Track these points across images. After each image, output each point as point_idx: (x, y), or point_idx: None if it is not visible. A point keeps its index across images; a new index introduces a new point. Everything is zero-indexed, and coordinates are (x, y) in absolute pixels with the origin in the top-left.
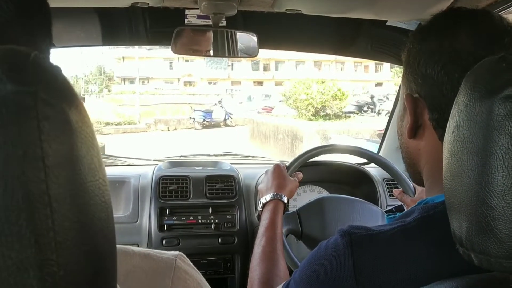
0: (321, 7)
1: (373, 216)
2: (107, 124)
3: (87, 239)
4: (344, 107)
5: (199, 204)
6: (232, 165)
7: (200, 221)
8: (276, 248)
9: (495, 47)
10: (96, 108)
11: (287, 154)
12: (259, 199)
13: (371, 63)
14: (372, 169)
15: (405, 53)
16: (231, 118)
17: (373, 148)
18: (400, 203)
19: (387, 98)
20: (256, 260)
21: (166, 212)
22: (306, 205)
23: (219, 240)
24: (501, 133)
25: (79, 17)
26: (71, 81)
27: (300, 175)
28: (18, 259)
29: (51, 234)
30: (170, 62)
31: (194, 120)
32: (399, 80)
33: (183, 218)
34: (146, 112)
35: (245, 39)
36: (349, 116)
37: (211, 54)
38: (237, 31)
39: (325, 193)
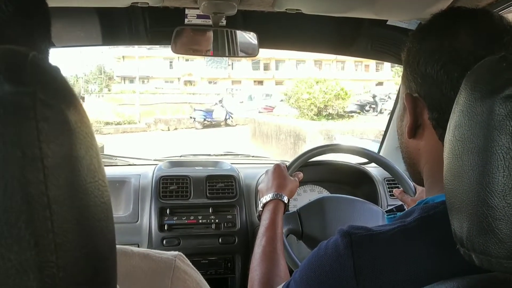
0: (321, 7)
1: (373, 216)
2: (107, 123)
3: (86, 241)
4: (346, 106)
5: (200, 204)
6: (233, 165)
7: (200, 221)
8: (276, 248)
9: (495, 46)
10: (96, 108)
11: (289, 154)
12: (259, 199)
13: (372, 63)
14: (373, 169)
15: (405, 53)
16: (232, 118)
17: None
18: (400, 202)
19: (389, 97)
20: (257, 260)
21: (166, 212)
22: (306, 205)
23: (220, 240)
24: (501, 133)
25: (79, 17)
26: (71, 80)
27: (301, 175)
28: (18, 261)
29: (50, 236)
30: (170, 62)
31: (194, 120)
32: (399, 80)
33: (183, 218)
34: (146, 111)
35: (245, 38)
36: (352, 116)
37: (211, 54)
38: (237, 31)
39: (325, 193)
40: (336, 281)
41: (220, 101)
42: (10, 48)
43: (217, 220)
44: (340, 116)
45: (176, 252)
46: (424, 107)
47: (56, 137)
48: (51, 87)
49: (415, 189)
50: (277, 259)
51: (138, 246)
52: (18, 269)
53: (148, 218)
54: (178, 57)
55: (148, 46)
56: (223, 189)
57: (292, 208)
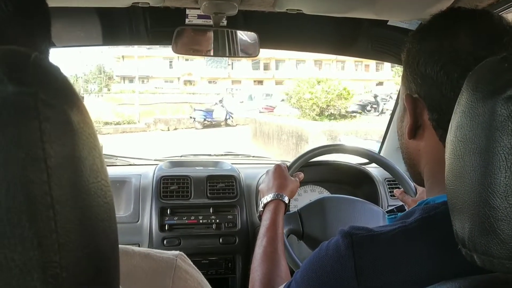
0: (322, 7)
1: (374, 216)
2: (106, 123)
3: (89, 241)
4: (349, 106)
5: (200, 204)
6: (233, 165)
7: (201, 221)
8: (277, 249)
9: (495, 46)
10: (95, 108)
11: (291, 155)
12: (260, 199)
13: (372, 62)
14: (373, 169)
15: (405, 53)
16: (232, 118)
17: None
18: (401, 203)
19: (390, 97)
20: (258, 261)
21: (167, 212)
22: (307, 205)
23: (220, 240)
24: (503, 133)
25: (79, 17)
26: (71, 80)
27: (301, 175)
28: (21, 261)
29: (54, 236)
30: (170, 61)
31: (194, 120)
32: (400, 80)
33: (184, 218)
34: (145, 111)
35: (246, 38)
36: (355, 116)
37: (212, 54)
38: (237, 31)
39: (326, 193)
40: (337, 281)
41: (220, 101)
42: (12, 49)
43: (217, 220)
44: (342, 116)
45: (177, 252)
46: (424, 108)
47: (58, 137)
48: (54, 88)
49: (416, 190)
50: (278, 260)
51: (139, 246)
52: (22, 269)
53: (149, 218)
54: (178, 57)
55: (147, 46)
56: (224, 189)
57: (293, 208)
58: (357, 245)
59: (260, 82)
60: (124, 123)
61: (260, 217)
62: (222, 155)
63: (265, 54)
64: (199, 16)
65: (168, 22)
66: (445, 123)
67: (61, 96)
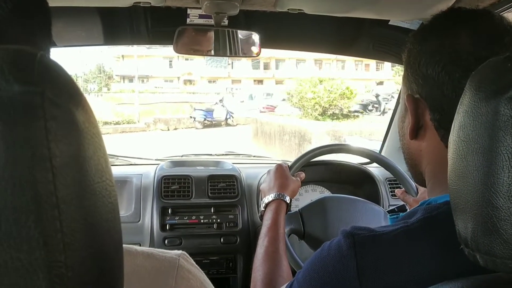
0: (323, 7)
1: (375, 216)
2: (106, 123)
3: (94, 240)
4: (352, 106)
5: (201, 203)
6: (234, 165)
7: (202, 220)
8: (279, 248)
9: (496, 47)
10: (95, 107)
11: (293, 156)
12: (261, 199)
13: (372, 62)
14: (374, 169)
15: (406, 54)
16: (233, 118)
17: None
18: (402, 203)
19: (392, 96)
20: (259, 261)
21: (168, 212)
22: (308, 205)
23: (221, 240)
24: (507, 133)
25: (80, 17)
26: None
27: (302, 174)
28: (27, 261)
29: (59, 236)
30: (170, 61)
31: (194, 120)
32: (400, 79)
33: (185, 218)
34: (145, 111)
35: (247, 38)
36: (357, 116)
37: (213, 54)
38: (239, 30)
39: (327, 193)
40: (339, 281)
41: (221, 101)
42: (17, 48)
43: (218, 220)
44: (345, 116)
45: (180, 251)
46: (425, 108)
47: (64, 137)
48: (59, 87)
49: (417, 189)
50: (280, 259)
51: (140, 246)
52: (28, 269)
53: (150, 218)
54: (178, 56)
55: (147, 45)
56: (225, 189)
57: (294, 208)
58: (359, 245)
59: (260, 81)
60: (123, 123)
61: (261, 217)
62: (223, 154)
63: (265, 53)
64: (200, 16)
65: (169, 21)
66: (446, 123)
67: (67, 95)
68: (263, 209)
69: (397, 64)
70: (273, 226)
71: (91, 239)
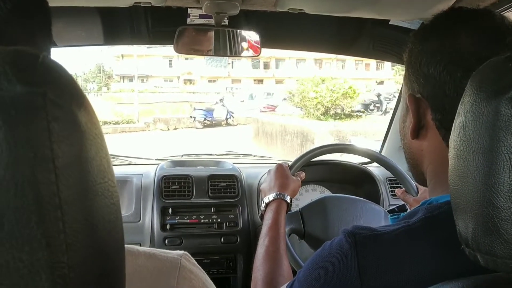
0: (323, 7)
1: (375, 216)
2: (105, 123)
3: (96, 241)
4: (355, 106)
5: (202, 203)
6: (235, 165)
7: (202, 220)
8: (279, 248)
9: (497, 46)
10: (94, 107)
11: (296, 157)
12: (261, 199)
13: (372, 61)
14: (375, 169)
15: (407, 53)
16: (233, 117)
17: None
18: (402, 202)
19: (393, 96)
20: (260, 260)
21: (168, 212)
22: (308, 205)
23: (222, 240)
24: (507, 133)
25: (81, 17)
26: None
27: (303, 174)
28: (30, 262)
29: (61, 236)
30: (170, 60)
31: (194, 119)
32: (400, 78)
33: (185, 218)
34: (145, 110)
35: (247, 38)
36: (360, 116)
37: (213, 53)
38: (239, 30)
39: (327, 193)
40: (340, 281)
41: (221, 100)
42: (20, 49)
43: (219, 220)
44: (347, 116)
45: (182, 252)
46: (427, 108)
47: (66, 137)
48: (61, 88)
49: (417, 189)
50: (280, 259)
51: (140, 246)
52: (30, 270)
53: (150, 218)
54: (178, 56)
55: (147, 45)
56: (225, 188)
57: (294, 208)
58: (360, 244)
59: (260, 81)
60: (123, 123)
61: (262, 217)
62: (223, 154)
63: (265, 53)
64: (201, 16)
65: (170, 21)
66: (448, 123)
67: (69, 96)
68: (264, 209)
69: (397, 64)
70: (274, 225)
71: (94, 239)
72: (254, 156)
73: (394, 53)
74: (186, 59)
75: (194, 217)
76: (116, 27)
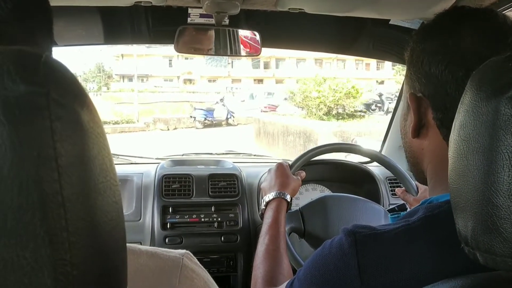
0: (324, 6)
1: (375, 215)
2: (104, 123)
3: (99, 239)
4: (357, 106)
5: (202, 202)
6: (235, 164)
7: (202, 219)
8: (279, 247)
9: (500, 46)
10: None
11: None
12: (262, 198)
13: (373, 61)
14: (375, 168)
15: (408, 52)
16: (233, 117)
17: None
18: (402, 202)
19: (395, 96)
20: (260, 258)
21: (169, 211)
22: (308, 204)
23: (222, 239)
24: (507, 132)
25: (81, 16)
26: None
27: (303, 173)
28: (33, 259)
29: (64, 234)
30: (170, 60)
31: (195, 119)
32: (401, 78)
33: (186, 217)
34: (145, 110)
35: (248, 37)
36: (363, 116)
37: (213, 53)
38: (239, 30)
39: (327, 192)
40: (340, 280)
41: (221, 100)
42: (23, 49)
43: (219, 219)
44: (350, 115)
45: (184, 251)
46: (428, 107)
47: (69, 136)
48: (64, 87)
49: (417, 189)
50: (280, 257)
51: (141, 244)
52: (33, 267)
53: (151, 217)
54: (178, 55)
55: (147, 44)
56: (225, 187)
57: (294, 207)
58: (360, 243)
59: (260, 80)
60: (122, 123)
61: (262, 215)
62: (223, 153)
63: (265, 52)
64: (201, 15)
65: (170, 21)
66: (449, 122)
67: (72, 95)
68: (264, 208)
69: (397, 64)
70: (274, 224)
71: (96, 237)
72: (255, 155)
73: (394, 52)
74: (186, 58)
75: (194, 216)
76: (117, 26)
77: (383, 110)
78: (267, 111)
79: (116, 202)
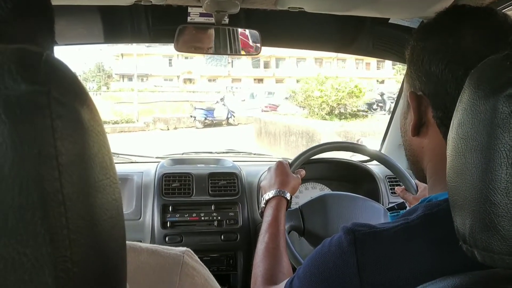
0: (323, 5)
1: (375, 213)
2: (104, 122)
3: (99, 236)
4: (360, 105)
5: (202, 201)
6: (235, 163)
7: (202, 218)
8: (279, 245)
9: (500, 45)
10: None
11: None
12: (262, 196)
13: (373, 61)
14: (374, 167)
15: (409, 51)
16: (234, 117)
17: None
18: (402, 200)
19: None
20: (260, 257)
21: (169, 209)
22: (308, 202)
23: (222, 237)
24: (505, 131)
25: (82, 15)
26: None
27: (303, 172)
28: (34, 257)
29: (65, 232)
30: (170, 59)
31: (195, 119)
32: (401, 78)
33: (186, 215)
34: (144, 110)
35: (248, 36)
36: (366, 115)
37: (213, 52)
38: (239, 29)
39: (327, 190)
40: (339, 277)
41: (222, 99)
42: (23, 48)
43: (219, 217)
44: (353, 115)
45: (184, 248)
46: (428, 106)
47: (70, 135)
48: (65, 86)
49: (417, 187)
50: (280, 256)
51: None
52: (34, 264)
53: (151, 215)
54: (178, 55)
55: (147, 44)
56: (225, 186)
57: (294, 205)
58: (359, 241)
59: (261, 80)
60: (122, 122)
61: (262, 214)
62: (223, 152)
63: (266, 52)
64: (201, 14)
65: (170, 20)
66: (449, 121)
67: (72, 94)
68: (264, 206)
69: (398, 63)
70: (274, 222)
71: (96, 235)
72: (254, 154)
73: (394, 51)
74: (186, 58)
75: (194, 214)
76: (117, 25)
77: (385, 110)
78: (268, 111)
79: (116, 200)
